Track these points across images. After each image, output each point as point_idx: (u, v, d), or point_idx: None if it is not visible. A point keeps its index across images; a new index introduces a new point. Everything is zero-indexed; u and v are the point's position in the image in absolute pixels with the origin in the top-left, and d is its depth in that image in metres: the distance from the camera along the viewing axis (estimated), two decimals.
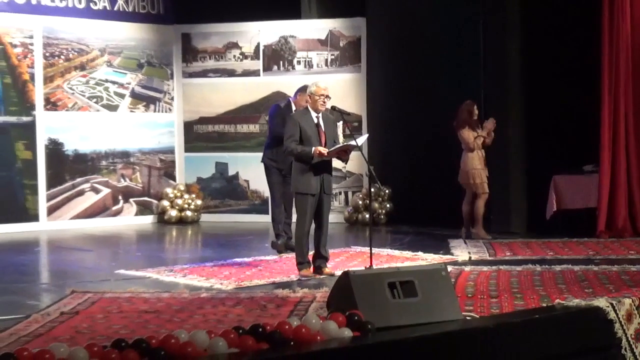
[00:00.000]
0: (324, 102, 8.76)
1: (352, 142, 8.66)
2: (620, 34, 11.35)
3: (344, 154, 8.77)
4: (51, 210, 13.63)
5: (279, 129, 9.80)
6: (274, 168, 10.46)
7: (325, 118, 8.87)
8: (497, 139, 11.82)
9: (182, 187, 14.62)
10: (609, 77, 11.33)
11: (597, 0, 11.38)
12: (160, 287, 8.21)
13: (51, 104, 13.69)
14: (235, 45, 14.66)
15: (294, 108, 10.30)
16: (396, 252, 10.47)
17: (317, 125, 8.77)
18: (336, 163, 9.37)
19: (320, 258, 8.88)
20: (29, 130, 13.45)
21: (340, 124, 9.40)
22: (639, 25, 11.48)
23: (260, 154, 10.80)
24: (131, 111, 14.50)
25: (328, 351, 5.25)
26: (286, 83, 14.25)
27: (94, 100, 14.12)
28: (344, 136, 9.71)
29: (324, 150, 8.60)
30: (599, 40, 11.37)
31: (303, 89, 10.18)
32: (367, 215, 12.81)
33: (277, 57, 14.51)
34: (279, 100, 11.46)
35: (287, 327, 5.37)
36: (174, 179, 14.84)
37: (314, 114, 8.79)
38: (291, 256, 9.42)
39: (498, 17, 12.46)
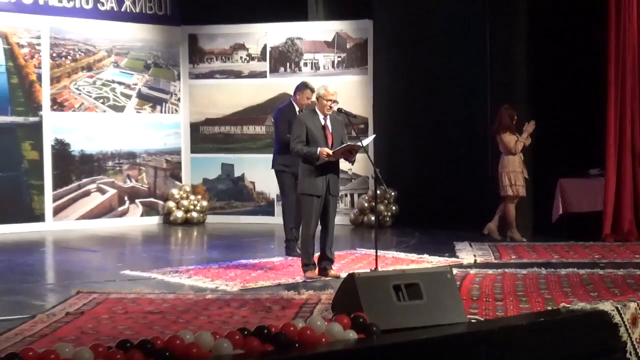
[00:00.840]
0: (331, 107, 8.74)
1: (358, 143, 8.67)
2: (627, 36, 11.33)
3: (349, 154, 8.75)
4: (57, 211, 13.65)
5: (286, 134, 9.76)
6: (288, 173, 10.24)
7: (333, 119, 8.86)
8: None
9: (188, 188, 14.62)
10: (616, 80, 11.32)
11: (604, 3, 11.37)
12: (165, 288, 8.22)
13: (58, 105, 13.71)
14: (242, 47, 14.67)
15: (296, 108, 10.27)
16: (402, 255, 10.47)
17: (324, 126, 8.77)
18: (343, 165, 9.37)
19: (326, 260, 8.88)
20: (35, 131, 13.47)
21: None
22: None
23: (267, 156, 10.77)
24: (137, 112, 14.51)
25: (333, 353, 5.26)
26: (292, 85, 14.14)
27: (101, 100, 14.14)
28: (350, 138, 9.70)
29: (328, 150, 8.60)
30: (605, 43, 11.36)
31: (301, 87, 10.21)
32: (373, 218, 12.81)
33: (283, 58, 14.52)
34: (282, 102, 11.37)
35: (292, 328, 5.38)
36: (180, 180, 14.85)
37: (321, 116, 8.79)
38: (297, 258, 9.42)
39: (505, 19, 12.46)
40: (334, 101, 8.74)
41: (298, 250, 9.89)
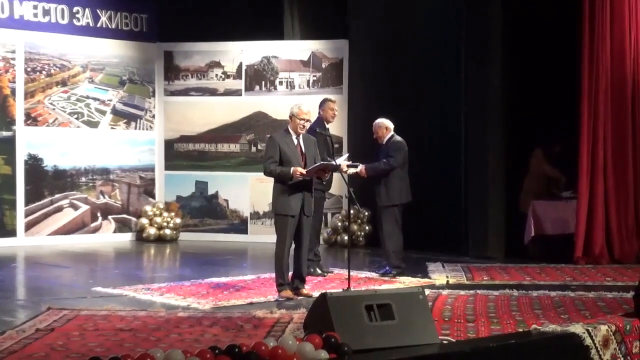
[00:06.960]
0: (304, 127, 8.81)
1: (332, 162, 8.71)
2: (600, 63, 11.41)
3: (322, 173, 8.81)
4: (29, 226, 13.57)
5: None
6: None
7: (306, 139, 8.91)
8: (476, 163, 11.91)
9: (161, 205, 14.58)
10: (589, 105, 11.39)
11: (578, 31, 11.46)
12: (137, 306, 8.18)
13: (32, 119, 13.65)
14: (217, 65, 14.68)
15: (326, 124, 10.46)
16: (374, 275, 10.48)
17: (298, 146, 8.80)
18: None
19: (298, 279, 8.88)
20: (8, 145, 13.40)
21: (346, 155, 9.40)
22: (618, 55, 11.57)
23: (240, 174, 10.76)
24: (112, 128, 14.47)
25: None
26: (268, 103, 14.30)
27: (75, 116, 14.09)
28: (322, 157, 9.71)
29: (302, 170, 8.63)
30: (579, 69, 11.43)
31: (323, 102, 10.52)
32: (346, 237, 12.80)
33: (259, 77, 14.53)
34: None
35: (263, 347, 5.36)
36: (154, 197, 14.81)
37: (294, 135, 8.83)
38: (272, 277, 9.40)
39: (480, 41, 12.52)
40: (307, 120, 8.82)
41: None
